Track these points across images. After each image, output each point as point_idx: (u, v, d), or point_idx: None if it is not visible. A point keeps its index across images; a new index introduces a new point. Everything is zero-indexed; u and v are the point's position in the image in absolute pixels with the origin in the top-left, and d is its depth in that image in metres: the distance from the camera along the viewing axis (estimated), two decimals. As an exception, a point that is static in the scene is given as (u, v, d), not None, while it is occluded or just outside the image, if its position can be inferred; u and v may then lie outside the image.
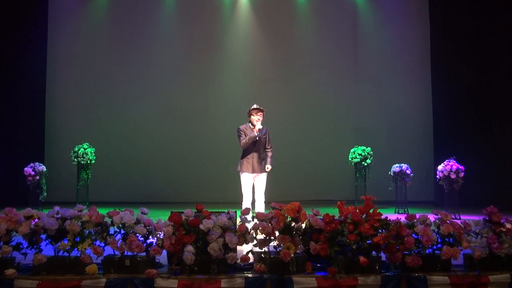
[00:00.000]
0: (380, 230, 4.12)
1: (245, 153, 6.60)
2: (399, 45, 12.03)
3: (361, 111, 12.02)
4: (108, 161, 11.07)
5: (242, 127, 6.63)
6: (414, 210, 8.82)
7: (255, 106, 6.63)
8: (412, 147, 11.66)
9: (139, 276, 3.94)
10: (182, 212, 4.17)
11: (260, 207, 6.54)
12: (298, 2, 12.27)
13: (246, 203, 6.57)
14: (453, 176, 8.68)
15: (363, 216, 4.14)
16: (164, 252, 4.08)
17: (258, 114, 6.54)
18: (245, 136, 6.56)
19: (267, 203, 6.45)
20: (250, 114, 6.62)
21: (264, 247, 4.07)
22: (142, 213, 4.26)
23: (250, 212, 4.36)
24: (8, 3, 10.90)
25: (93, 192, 10.10)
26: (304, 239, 4.20)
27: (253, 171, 6.57)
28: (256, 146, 6.57)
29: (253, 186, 6.68)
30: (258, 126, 6.51)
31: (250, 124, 6.64)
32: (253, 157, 6.54)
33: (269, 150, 6.76)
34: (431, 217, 4.36)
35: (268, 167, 6.69)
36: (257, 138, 6.52)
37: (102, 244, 4.08)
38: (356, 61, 12.19)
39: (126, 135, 11.63)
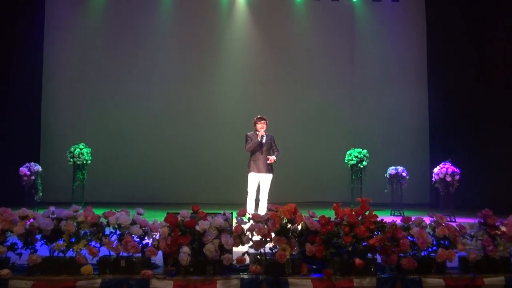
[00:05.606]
0: (375, 232, 4.14)
1: (252, 154, 7.37)
2: (396, 48, 12.06)
3: (357, 113, 12.03)
4: (104, 161, 11.01)
5: (249, 134, 7.44)
6: (409, 212, 8.82)
7: (259, 116, 7.43)
8: (408, 150, 11.66)
9: (135, 277, 3.94)
10: (178, 213, 4.17)
11: (263, 209, 6.96)
12: (296, 6, 12.28)
13: (250, 199, 7.25)
14: (448, 179, 8.71)
15: (359, 218, 4.15)
16: (160, 253, 4.08)
17: (261, 122, 7.36)
18: (251, 141, 7.41)
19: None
20: (255, 123, 7.39)
21: (260, 248, 4.07)
22: (138, 213, 4.25)
23: (247, 213, 4.36)
24: (5, 2, 10.84)
25: (88, 192, 10.04)
26: (300, 241, 4.21)
27: (259, 171, 7.27)
28: (261, 148, 7.31)
29: (258, 187, 7.35)
30: (261, 133, 7.33)
31: (256, 131, 7.40)
32: (259, 158, 7.30)
33: (275, 150, 7.51)
34: (427, 220, 4.37)
35: (273, 158, 7.30)
36: (263, 142, 7.28)
37: (98, 245, 4.08)
38: (353, 64, 12.20)
39: (122, 135, 11.58)
